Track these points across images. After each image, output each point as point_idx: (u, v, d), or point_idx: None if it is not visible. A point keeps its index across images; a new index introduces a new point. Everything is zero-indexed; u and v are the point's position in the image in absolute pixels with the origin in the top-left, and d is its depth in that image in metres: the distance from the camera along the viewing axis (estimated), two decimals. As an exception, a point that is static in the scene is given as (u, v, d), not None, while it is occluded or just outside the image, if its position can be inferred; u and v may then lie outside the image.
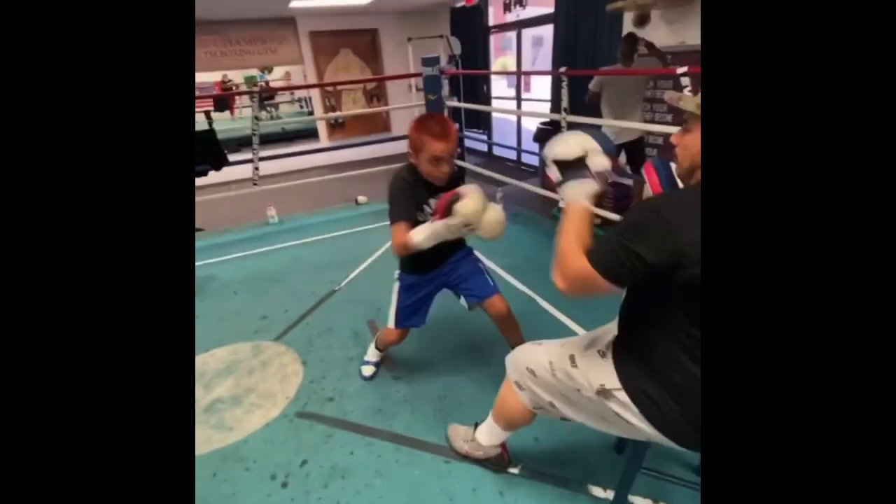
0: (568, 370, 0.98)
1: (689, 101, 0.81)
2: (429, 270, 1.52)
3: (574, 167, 0.89)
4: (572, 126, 2.96)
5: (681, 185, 0.90)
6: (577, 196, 0.89)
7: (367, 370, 1.79)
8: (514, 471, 1.33)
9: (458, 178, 1.41)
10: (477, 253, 1.61)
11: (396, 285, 1.58)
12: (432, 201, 1.36)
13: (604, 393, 0.92)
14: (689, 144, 0.83)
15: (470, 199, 1.15)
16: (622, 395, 0.90)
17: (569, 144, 0.89)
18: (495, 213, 1.23)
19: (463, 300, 1.57)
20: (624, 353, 0.93)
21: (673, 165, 0.90)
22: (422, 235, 1.22)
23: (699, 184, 0.79)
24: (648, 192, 0.92)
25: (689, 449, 0.89)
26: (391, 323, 1.59)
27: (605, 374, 0.93)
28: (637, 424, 0.90)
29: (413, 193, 1.34)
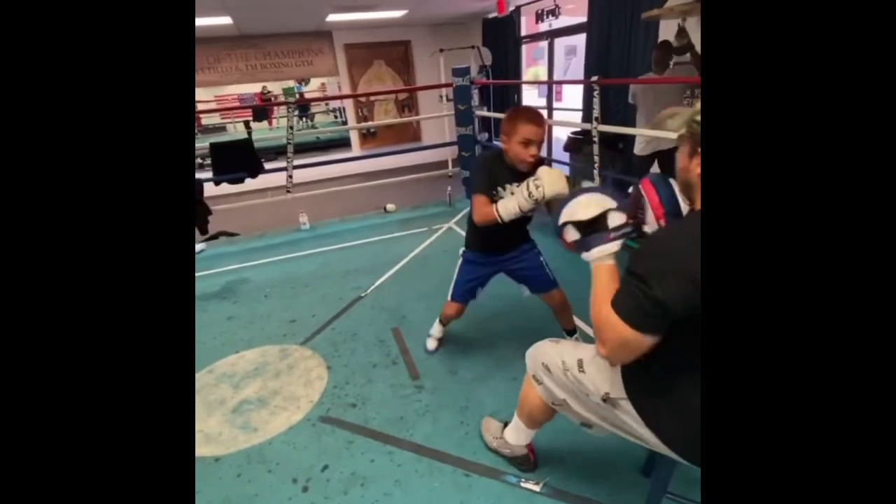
0: (576, 374, 1.00)
1: (678, 119, 0.80)
2: (492, 251, 1.67)
3: (595, 227, 0.89)
4: (603, 135, 2.91)
5: (681, 201, 0.87)
6: (603, 256, 0.87)
7: (431, 343, 1.95)
8: (536, 488, 1.29)
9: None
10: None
11: (460, 261, 1.74)
12: (512, 186, 1.50)
13: (610, 401, 0.93)
14: (677, 160, 0.83)
15: (546, 174, 1.38)
16: (627, 405, 0.90)
17: (588, 206, 0.89)
18: (553, 173, 1.39)
19: (525, 290, 1.75)
20: (630, 363, 0.91)
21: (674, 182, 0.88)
22: (505, 210, 1.43)
23: (699, 211, 0.77)
24: (649, 212, 0.88)
25: (696, 465, 0.87)
26: (449, 295, 1.77)
27: (611, 382, 0.93)
28: (645, 435, 0.89)
29: (492, 170, 1.53)
